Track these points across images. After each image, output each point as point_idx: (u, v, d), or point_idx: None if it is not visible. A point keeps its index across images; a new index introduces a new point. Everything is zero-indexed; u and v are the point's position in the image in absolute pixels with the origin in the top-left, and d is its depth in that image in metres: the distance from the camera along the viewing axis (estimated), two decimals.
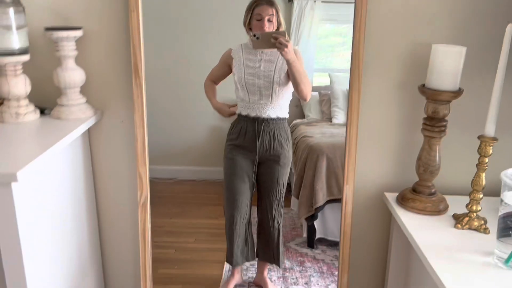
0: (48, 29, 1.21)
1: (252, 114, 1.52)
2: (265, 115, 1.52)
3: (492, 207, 1.24)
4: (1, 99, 1.27)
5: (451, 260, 1.04)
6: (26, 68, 1.24)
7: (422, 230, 1.16)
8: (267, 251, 1.70)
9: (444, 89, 1.16)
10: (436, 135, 1.21)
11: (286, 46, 1.34)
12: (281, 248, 1.70)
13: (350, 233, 1.32)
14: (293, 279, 1.74)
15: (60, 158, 1.17)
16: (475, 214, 1.18)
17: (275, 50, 1.39)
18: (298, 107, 1.92)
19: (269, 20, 1.44)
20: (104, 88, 1.34)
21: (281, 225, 1.67)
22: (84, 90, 1.31)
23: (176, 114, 1.71)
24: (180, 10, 1.68)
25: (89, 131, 1.36)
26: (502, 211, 1.00)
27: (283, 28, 1.46)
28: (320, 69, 2.10)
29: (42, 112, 1.30)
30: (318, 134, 1.92)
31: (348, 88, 2.06)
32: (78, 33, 1.24)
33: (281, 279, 1.75)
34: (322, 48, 1.85)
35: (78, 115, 1.27)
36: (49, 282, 1.12)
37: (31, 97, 1.27)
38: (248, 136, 1.54)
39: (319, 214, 1.79)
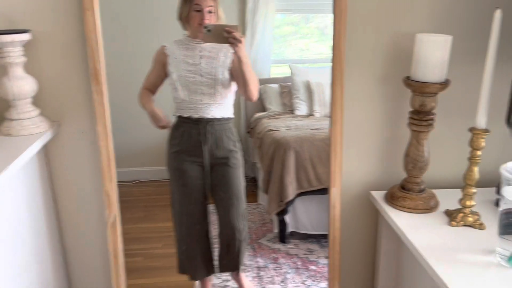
0: None
1: (195, 115, 1.41)
2: (209, 116, 1.41)
3: (483, 199, 1.22)
4: None
5: (451, 260, 1.00)
6: None
7: (416, 230, 1.12)
8: (225, 262, 1.62)
9: (431, 80, 1.11)
10: (424, 129, 1.16)
11: (240, 42, 1.24)
12: (241, 256, 1.61)
13: (339, 238, 1.25)
14: (268, 277, 1.73)
15: (14, 183, 1.04)
16: (469, 209, 1.14)
17: (218, 45, 1.32)
18: (258, 100, 1.83)
19: (209, 12, 1.33)
20: (59, 97, 1.23)
21: (243, 233, 1.58)
22: (36, 100, 1.19)
23: (133, 113, 1.60)
24: (136, 6, 1.56)
25: (45, 147, 1.22)
26: (504, 207, 0.96)
27: (222, 19, 1.36)
28: (277, 60, 2.07)
29: None
30: (283, 127, 1.93)
31: (308, 80, 2.08)
32: (25, 37, 1.11)
33: (257, 278, 1.71)
34: (275, 39, 1.85)
35: (32, 130, 1.14)
36: None
37: None
38: (192, 140, 1.43)
39: (290, 208, 1.78)
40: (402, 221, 1.15)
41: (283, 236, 1.86)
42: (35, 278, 1.14)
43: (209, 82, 1.37)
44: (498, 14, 1.01)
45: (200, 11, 1.33)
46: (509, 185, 0.94)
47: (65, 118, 1.23)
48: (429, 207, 1.20)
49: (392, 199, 1.22)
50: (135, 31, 1.64)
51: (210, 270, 1.62)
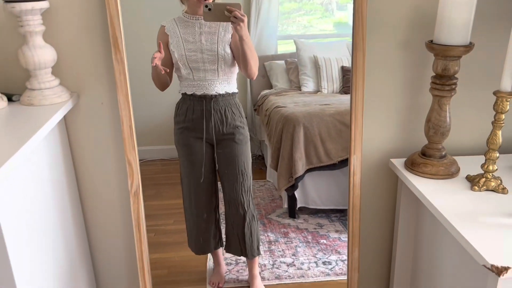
0: (8, 1, 1.08)
1: (199, 92, 1.40)
2: (213, 92, 1.40)
3: (506, 165, 1.21)
4: None
5: (478, 225, 1.00)
6: None
7: (438, 195, 1.12)
8: (232, 243, 1.61)
9: (454, 43, 1.09)
10: (447, 94, 1.15)
11: (242, 21, 1.23)
12: (249, 239, 1.58)
13: (359, 205, 1.26)
14: (279, 251, 1.75)
15: (37, 152, 1.05)
16: (491, 174, 1.13)
17: (216, 22, 1.30)
18: (264, 77, 1.89)
19: None
20: (79, 66, 1.22)
21: (249, 211, 1.56)
22: (56, 70, 1.19)
23: (139, 93, 1.58)
24: None
25: (65, 117, 1.23)
26: None
27: None
28: (284, 36, 2.05)
29: (10, 99, 1.17)
30: (291, 103, 1.90)
31: (315, 55, 2.05)
32: (44, 5, 1.11)
33: (268, 252, 1.73)
34: (288, 17, 1.84)
35: (53, 99, 1.14)
36: (38, 283, 1.02)
37: None
38: (197, 117, 1.42)
39: (299, 184, 1.78)
40: (423, 187, 1.15)
41: (293, 212, 1.87)
42: (61, 245, 1.17)
43: (211, 58, 1.36)
44: None
45: None
46: None
47: (84, 89, 1.24)
48: (450, 173, 1.20)
49: (412, 165, 1.22)
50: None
51: (218, 244, 1.63)
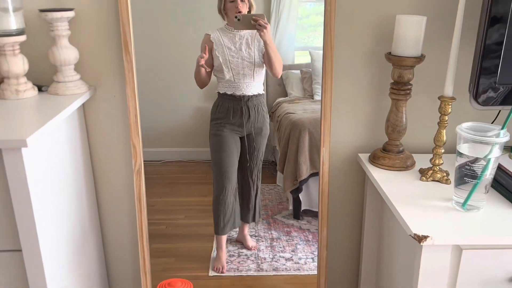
0: (43, 10, 1.29)
1: (238, 93, 1.63)
2: (249, 93, 1.63)
3: (453, 163, 1.38)
4: (0, 78, 1.37)
5: (415, 205, 1.15)
6: (23, 48, 1.32)
7: (391, 183, 1.27)
8: (246, 212, 1.81)
9: (407, 55, 1.25)
10: (402, 98, 1.32)
11: (265, 28, 1.47)
12: (258, 207, 1.81)
13: (327, 191, 1.45)
14: (280, 247, 1.83)
15: (59, 130, 1.27)
16: (438, 167, 1.30)
17: (253, 32, 1.52)
18: (280, 85, 1.97)
19: (241, 0, 1.54)
20: (96, 65, 1.42)
21: (259, 187, 1.78)
22: (78, 67, 1.39)
23: (160, 96, 1.77)
24: None
25: (83, 105, 1.45)
26: (458, 162, 1.11)
27: (254, 7, 1.57)
28: (301, 47, 2.16)
29: (40, 89, 1.39)
30: (300, 110, 1.93)
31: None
32: (70, 14, 1.31)
33: (269, 248, 1.84)
34: (303, 28, 1.90)
35: (74, 90, 1.36)
36: (56, 239, 1.23)
37: (29, 75, 1.35)
38: (235, 113, 1.65)
39: (304, 187, 1.85)
40: (380, 176, 1.32)
41: (297, 213, 1.93)
42: (75, 210, 1.38)
43: (249, 64, 1.59)
44: None
45: (233, 1, 1.54)
46: (464, 142, 1.10)
47: (100, 83, 1.43)
48: (405, 166, 1.36)
49: (374, 159, 1.40)
50: (160, 15, 1.74)
51: (233, 224, 1.81)
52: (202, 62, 1.55)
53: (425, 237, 1.03)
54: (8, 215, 1.09)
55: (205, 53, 1.55)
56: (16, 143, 1.00)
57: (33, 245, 1.10)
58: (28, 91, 1.33)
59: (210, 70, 1.60)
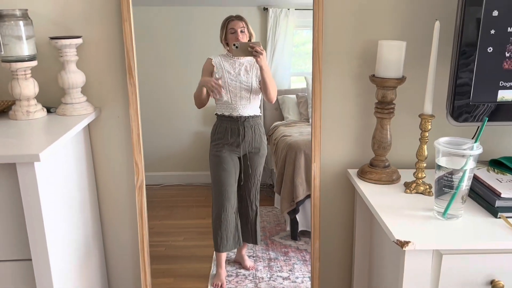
0: (53, 38, 1.38)
1: (235, 114, 1.72)
2: (246, 114, 1.73)
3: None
4: (12, 100, 1.47)
5: (399, 215, 1.23)
6: (34, 72, 1.42)
7: (377, 195, 1.35)
8: (246, 232, 1.87)
9: (389, 77, 1.35)
10: (386, 116, 1.41)
11: (262, 54, 1.58)
12: (258, 228, 1.86)
13: (319, 204, 1.54)
14: (278, 267, 1.86)
15: (67, 148, 1.36)
16: (421, 180, 1.39)
17: (250, 58, 1.63)
18: (277, 110, 2.02)
19: (241, 31, 1.66)
20: (102, 87, 1.51)
21: (258, 207, 1.84)
22: (84, 90, 1.48)
23: (160, 121, 1.83)
24: (165, 21, 1.81)
25: (89, 125, 1.55)
26: (438, 174, 1.20)
27: (254, 37, 1.69)
28: (296, 73, 2.22)
29: (49, 110, 1.48)
30: (296, 133, 1.97)
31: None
32: (78, 41, 1.41)
33: (267, 268, 1.87)
34: (299, 55, 1.95)
35: (80, 111, 1.45)
36: (63, 250, 1.30)
37: (39, 98, 1.45)
38: (233, 134, 1.74)
39: (300, 208, 1.87)
40: (368, 189, 1.40)
41: (295, 234, 1.95)
42: (80, 225, 1.45)
43: (246, 88, 1.69)
44: (437, 24, 1.29)
45: (234, 32, 1.66)
46: (442, 156, 1.18)
47: (105, 105, 1.53)
48: (391, 179, 1.45)
49: (362, 173, 1.49)
50: (163, 40, 1.83)
51: (237, 243, 1.86)
52: (220, 82, 1.66)
53: (407, 243, 1.11)
54: (19, 226, 1.17)
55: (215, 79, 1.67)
56: (30, 157, 1.09)
57: (43, 255, 1.18)
58: (38, 112, 1.43)
59: (221, 91, 1.70)
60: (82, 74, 1.45)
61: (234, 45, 1.58)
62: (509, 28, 1.25)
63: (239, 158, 1.79)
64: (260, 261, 1.88)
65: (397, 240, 1.12)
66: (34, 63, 1.39)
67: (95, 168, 1.59)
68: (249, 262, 1.88)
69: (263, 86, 1.67)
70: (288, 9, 1.81)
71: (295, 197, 1.83)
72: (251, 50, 1.57)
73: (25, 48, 1.37)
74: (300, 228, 1.92)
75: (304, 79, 2.08)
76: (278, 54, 1.85)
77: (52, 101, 1.50)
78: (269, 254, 1.92)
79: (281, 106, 2.08)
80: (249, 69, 1.69)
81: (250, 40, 1.66)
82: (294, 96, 2.14)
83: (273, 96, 1.71)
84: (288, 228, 1.97)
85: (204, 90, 1.67)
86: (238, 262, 1.89)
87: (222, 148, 1.75)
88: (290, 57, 1.93)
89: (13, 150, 1.12)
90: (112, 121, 1.54)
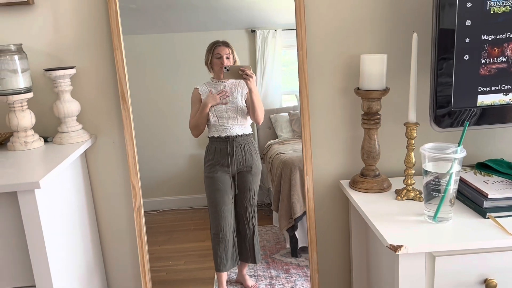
0: (47, 70, 1.42)
1: (223, 134, 1.76)
2: (234, 134, 1.77)
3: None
4: (10, 132, 1.51)
5: (391, 221, 1.26)
6: (31, 104, 1.46)
7: (370, 204, 1.38)
8: (244, 251, 1.88)
9: (374, 89, 1.40)
10: (373, 127, 1.45)
11: (251, 77, 1.64)
12: (257, 247, 1.87)
13: (314, 216, 1.57)
14: (279, 285, 1.87)
15: (65, 175, 1.39)
16: (411, 187, 1.42)
17: (236, 81, 1.70)
18: (270, 128, 2.04)
19: (227, 57, 1.72)
20: (96, 115, 1.55)
21: (256, 226, 1.86)
22: (79, 118, 1.52)
23: (154, 145, 1.85)
24: (155, 48, 1.84)
25: (86, 152, 1.58)
26: (425, 179, 1.23)
27: (237, 62, 1.74)
28: (287, 91, 2.26)
29: (46, 140, 1.52)
30: (290, 150, 1.98)
31: None
32: (72, 71, 1.45)
33: (269, 286, 1.86)
34: (290, 74, 1.95)
35: (77, 139, 1.49)
36: (66, 276, 1.32)
37: (36, 128, 1.49)
38: (223, 154, 1.78)
39: (299, 224, 1.87)
40: (360, 198, 1.44)
41: (295, 251, 1.95)
42: (81, 248, 1.47)
43: (232, 108, 1.73)
44: (415, 36, 1.35)
45: (220, 58, 1.71)
46: (429, 161, 1.22)
47: (101, 131, 1.56)
48: (382, 188, 1.48)
49: (354, 183, 1.53)
50: (154, 66, 1.85)
51: (235, 262, 1.87)
52: (229, 93, 1.71)
53: (400, 247, 1.14)
54: (22, 253, 1.19)
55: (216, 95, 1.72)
56: (30, 185, 1.12)
57: (47, 281, 1.20)
58: (35, 142, 1.47)
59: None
60: (77, 103, 1.49)
61: (225, 68, 1.64)
62: (482, 36, 1.31)
63: (232, 177, 1.82)
64: (262, 280, 1.89)
65: (390, 245, 1.15)
66: (30, 95, 1.44)
67: (93, 193, 1.62)
68: (250, 282, 1.89)
69: (251, 108, 1.71)
70: (275, 30, 1.85)
71: (293, 213, 1.85)
72: (241, 73, 1.63)
73: (21, 81, 1.41)
74: (300, 245, 1.92)
75: (295, 97, 2.08)
76: (268, 74, 1.88)
77: (49, 131, 1.55)
78: (270, 272, 1.92)
79: (274, 124, 2.10)
80: (234, 90, 1.74)
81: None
82: (286, 114, 2.15)
83: (260, 117, 1.76)
84: (288, 246, 1.97)
85: (207, 109, 1.71)
86: (239, 282, 1.90)
87: (214, 169, 1.78)
88: (280, 76, 1.96)
89: (13, 179, 1.15)
90: (108, 147, 1.58)
